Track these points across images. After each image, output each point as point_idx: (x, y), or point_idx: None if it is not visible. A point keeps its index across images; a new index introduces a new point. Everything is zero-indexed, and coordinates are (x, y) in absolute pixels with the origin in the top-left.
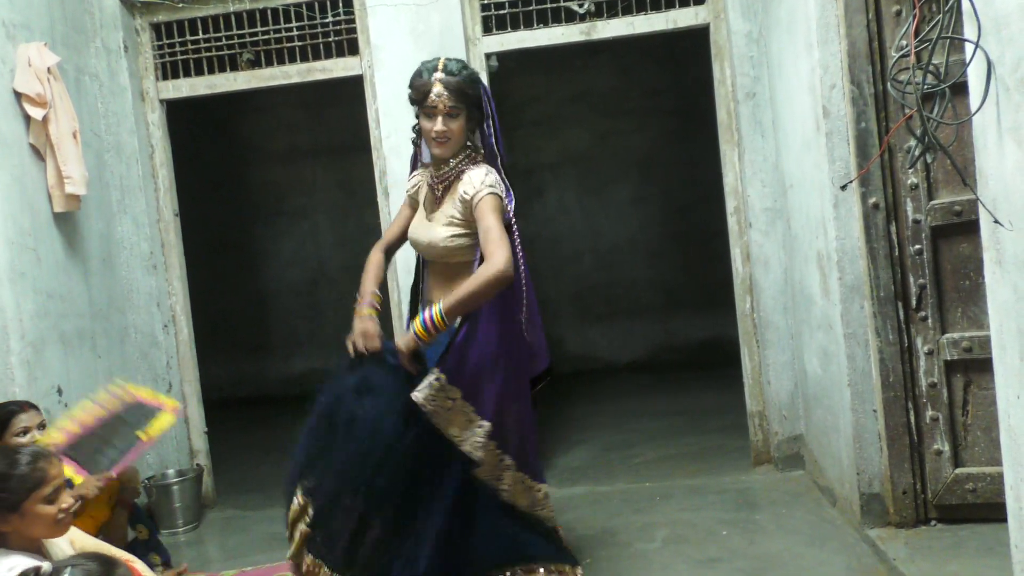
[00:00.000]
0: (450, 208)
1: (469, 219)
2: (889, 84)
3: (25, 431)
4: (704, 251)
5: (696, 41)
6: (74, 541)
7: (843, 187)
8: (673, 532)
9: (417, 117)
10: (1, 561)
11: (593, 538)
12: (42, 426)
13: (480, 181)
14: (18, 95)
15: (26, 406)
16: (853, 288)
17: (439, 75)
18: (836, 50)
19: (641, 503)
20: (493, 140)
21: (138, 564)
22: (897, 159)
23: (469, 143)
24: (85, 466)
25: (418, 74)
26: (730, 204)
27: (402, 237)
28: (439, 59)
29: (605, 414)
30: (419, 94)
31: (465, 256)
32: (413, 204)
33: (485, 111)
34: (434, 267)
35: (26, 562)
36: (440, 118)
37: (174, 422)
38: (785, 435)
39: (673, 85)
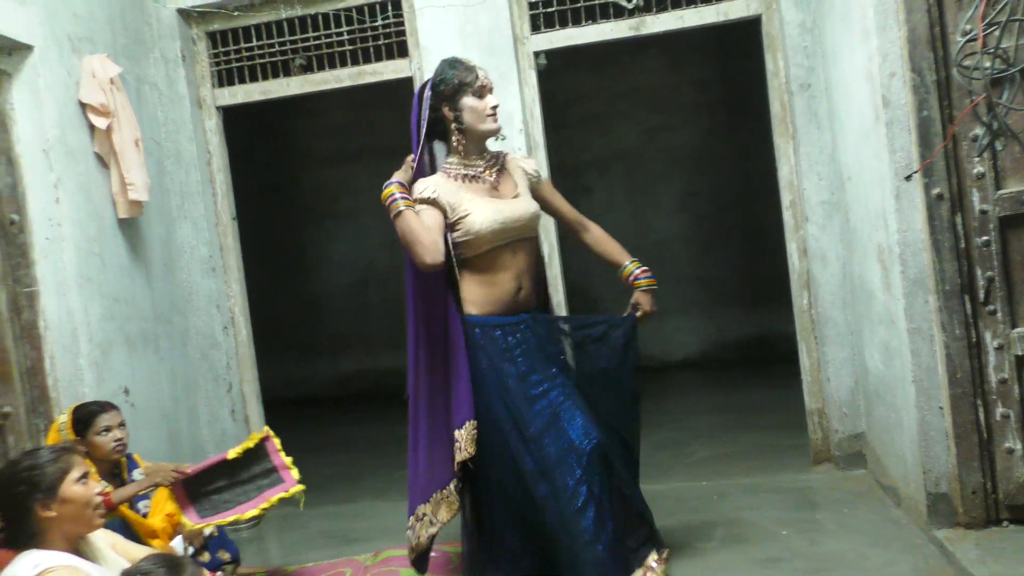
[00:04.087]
0: (517, 185)
1: (533, 194)
2: (955, 70)
3: (107, 429)
4: (755, 246)
5: (746, 32)
6: (115, 546)
7: (908, 177)
8: (731, 531)
9: (446, 108)
10: (27, 558)
11: None
12: (122, 425)
13: (533, 160)
14: (83, 106)
15: (107, 406)
16: (916, 282)
17: (474, 63)
18: (895, 37)
19: (697, 502)
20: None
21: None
22: (961, 147)
23: None
24: (193, 500)
25: (451, 64)
26: (785, 198)
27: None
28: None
29: (656, 412)
30: (468, 76)
31: (537, 231)
32: (437, 207)
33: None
34: (515, 248)
35: (55, 558)
36: (490, 95)
37: (288, 496)
38: (845, 433)
39: (723, 78)
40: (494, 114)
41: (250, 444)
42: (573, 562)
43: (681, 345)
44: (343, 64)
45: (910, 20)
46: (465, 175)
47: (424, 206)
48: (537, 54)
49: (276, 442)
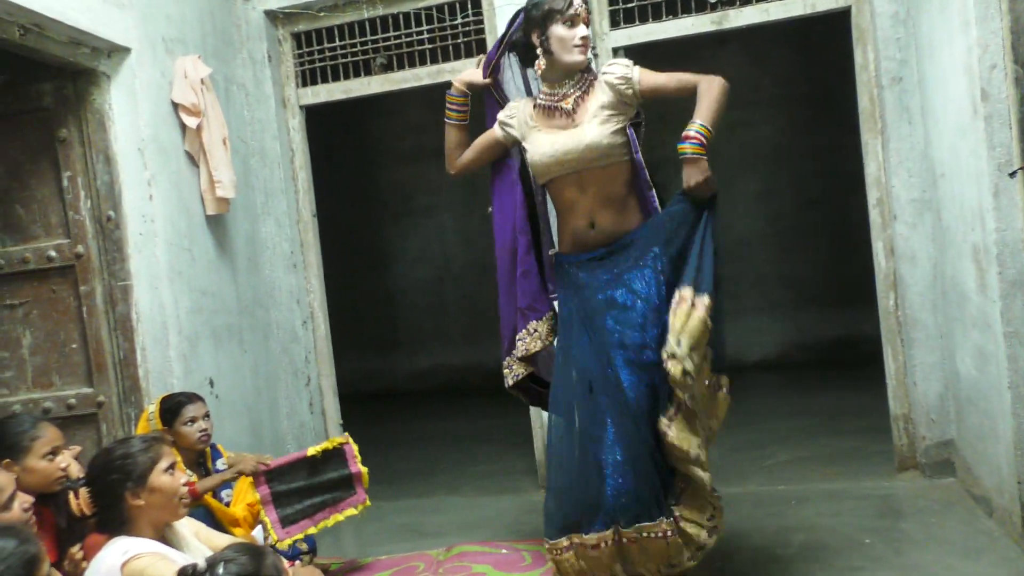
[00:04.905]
0: (597, 107)
1: (626, 106)
2: None
3: (193, 420)
4: (838, 245)
5: (831, 24)
6: (199, 534)
7: (1012, 174)
8: (811, 538)
9: (535, 35)
10: (117, 543)
11: (725, 541)
12: (207, 416)
13: (623, 63)
14: (175, 105)
15: (194, 397)
16: (1015, 283)
17: None
18: (997, 27)
19: (775, 506)
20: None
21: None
22: None
23: None
24: (273, 495)
25: None
26: (872, 196)
27: (479, 157)
28: None
29: (732, 413)
30: (560, 3)
31: (623, 155)
32: (505, 134)
33: None
34: (585, 180)
35: (143, 545)
36: (582, 25)
37: (354, 514)
38: (933, 440)
39: (806, 72)
40: (582, 45)
41: (329, 446)
42: (584, 500)
43: (758, 345)
44: (422, 63)
45: (1014, 9)
46: (544, 105)
47: (496, 125)
48: (616, 50)
49: (354, 448)
